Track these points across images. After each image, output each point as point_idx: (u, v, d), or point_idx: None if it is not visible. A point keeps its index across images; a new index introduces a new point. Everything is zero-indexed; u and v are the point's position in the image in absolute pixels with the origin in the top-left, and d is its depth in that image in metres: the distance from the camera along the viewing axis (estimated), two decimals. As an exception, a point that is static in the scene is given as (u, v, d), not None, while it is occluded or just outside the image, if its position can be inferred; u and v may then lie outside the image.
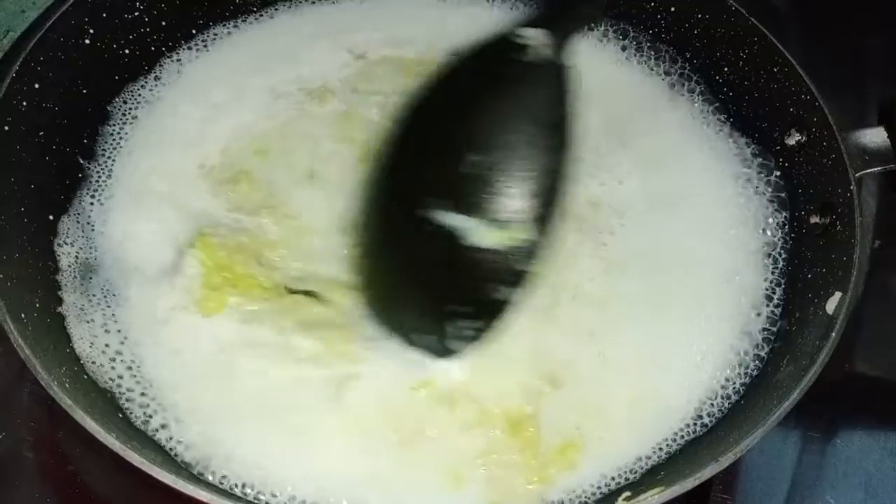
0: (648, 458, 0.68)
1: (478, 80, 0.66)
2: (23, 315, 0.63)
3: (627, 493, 0.64)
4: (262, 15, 0.89)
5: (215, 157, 0.79)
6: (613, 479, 0.67)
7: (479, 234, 0.61)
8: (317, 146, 0.80)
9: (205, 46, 0.87)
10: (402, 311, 0.67)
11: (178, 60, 0.85)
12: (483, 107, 0.64)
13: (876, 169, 0.75)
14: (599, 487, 0.67)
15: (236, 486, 0.65)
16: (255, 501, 0.64)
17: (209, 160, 0.79)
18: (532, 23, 0.67)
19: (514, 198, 0.61)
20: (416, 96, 0.68)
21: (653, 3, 0.89)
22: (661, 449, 0.69)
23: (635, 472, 0.67)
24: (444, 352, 0.66)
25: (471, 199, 0.61)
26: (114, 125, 0.81)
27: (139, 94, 0.83)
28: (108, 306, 0.71)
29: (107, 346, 0.69)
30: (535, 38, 0.65)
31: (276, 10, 0.90)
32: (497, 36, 0.67)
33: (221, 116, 0.82)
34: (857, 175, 0.74)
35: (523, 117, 0.64)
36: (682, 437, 0.69)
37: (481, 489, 0.65)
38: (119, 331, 0.70)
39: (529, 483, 0.66)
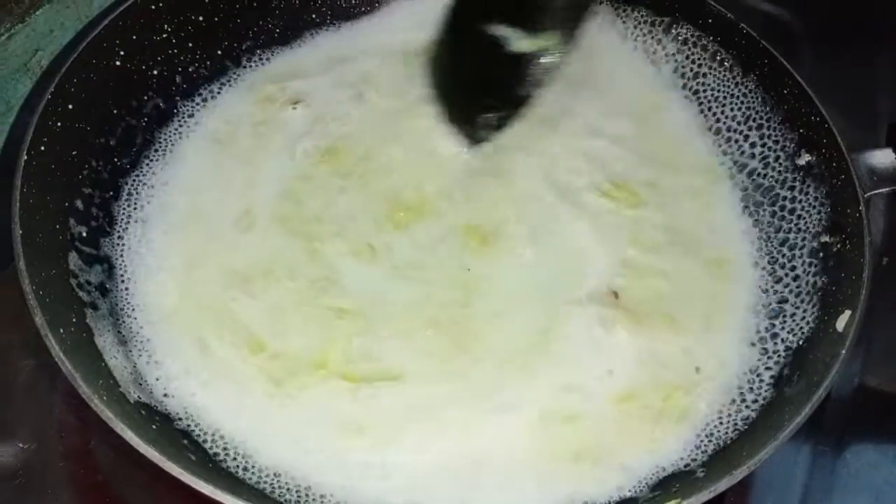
0: (664, 469, 0.69)
1: None
2: (61, 330, 0.65)
3: (643, 506, 0.66)
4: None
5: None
6: (629, 491, 0.68)
7: (517, 41, 0.75)
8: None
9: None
10: (455, 101, 0.84)
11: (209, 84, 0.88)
12: None
13: (884, 189, 0.77)
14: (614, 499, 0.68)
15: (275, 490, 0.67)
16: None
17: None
18: None
19: (544, 13, 0.75)
20: None
21: (663, 26, 0.91)
22: (676, 463, 0.70)
23: (652, 484, 0.69)
24: (477, 138, 0.83)
25: (512, 13, 0.75)
26: (146, 146, 0.84)
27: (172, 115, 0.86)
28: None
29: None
30: None
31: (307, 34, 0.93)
32: None
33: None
34: (867, 195, 0.76)
35: None
36: (698, 451, 0.70)
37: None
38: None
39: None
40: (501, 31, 0.75)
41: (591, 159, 0.85)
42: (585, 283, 0.77)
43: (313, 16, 0.94)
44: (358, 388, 0.70)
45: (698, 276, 0.79)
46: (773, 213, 0.83)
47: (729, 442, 0.70)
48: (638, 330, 0.74)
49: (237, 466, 0.67)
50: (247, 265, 0.76)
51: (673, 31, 0.91)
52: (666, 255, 0.80)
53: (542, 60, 0.76)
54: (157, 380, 0.71)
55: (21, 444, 0.73)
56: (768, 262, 0.81)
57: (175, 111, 0.86)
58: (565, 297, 0.76)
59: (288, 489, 0.67)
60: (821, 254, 0.78)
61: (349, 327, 0.73)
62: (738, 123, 0.88)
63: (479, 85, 0.82)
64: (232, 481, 0.66)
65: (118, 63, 0.81)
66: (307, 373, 0.71)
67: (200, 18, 0.87)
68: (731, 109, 0.88)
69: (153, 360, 0.72)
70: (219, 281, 0.76)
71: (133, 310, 0.75)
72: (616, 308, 0.75)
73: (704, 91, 0.90)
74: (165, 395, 0.70)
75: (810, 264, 0.78)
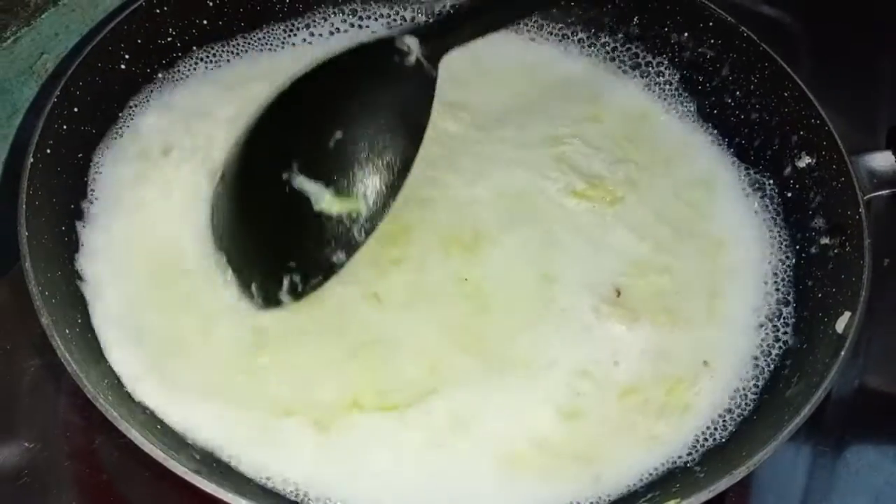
0: (664, 469, 0.70)
1: (353, 70, 0.75)
2: (66, 331, 0.65)
3: (643, 505, 0.66)
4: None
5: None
6: (629, 487, 0.69)
7: (325, 200, 0.71)
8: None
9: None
10: (249, 258, 0.74)
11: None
12: (351, 92, 0.73)
13: (884, 192, 0.77)
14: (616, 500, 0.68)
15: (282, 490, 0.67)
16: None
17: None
18: (411, 31, 0.75)
19: (359, 175, 0.71)
20: (294, 76, 0.76)
21: (665, 29, 0.91)
22: (675, 462, 0.70)
23: (652, 483, 0.69)
24: (273, 302, 0.73)
25: (323, 169, 0.71)
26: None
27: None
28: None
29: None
30: (410, 45, 0.74)
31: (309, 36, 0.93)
32: (380, 38, 0.77)
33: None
34: (866, 197, 0.76)
35: (384, 109, 0.73)
36: (697, 450, 0.71)
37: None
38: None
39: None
40: (306, 184, 0.71)
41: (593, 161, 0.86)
42: (584, 278, 0.78)
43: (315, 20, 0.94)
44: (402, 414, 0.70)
45: (699, 271, 0.80)
46: (773, 216, 0.83)
47: (728, 442, 0.71)
48: (639, 325, 0.75)
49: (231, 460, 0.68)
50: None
51: (673, 35, 0.91)
52: (666, 253, 0.80)
53: (353, 225, 0.71)
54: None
55: (26, 444, 0.74)
56: (768, 265, 0.81)
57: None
58: (565, 290, 0.77)
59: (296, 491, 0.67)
60: (820, 255, 0.78)
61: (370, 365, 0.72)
62: (738, 127, 0.88)
63: (277, 243, 0.73)
64: (236, 480, 0.66)
65: (123, 66, 0.82)
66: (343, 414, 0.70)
67: (205, 22, 0.87)
68: (731, 113, 0.89)
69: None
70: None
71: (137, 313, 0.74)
72: (615, 305, 0.76)
73: (705, 95, 0.90)
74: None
75: (810, 266, 0.79)
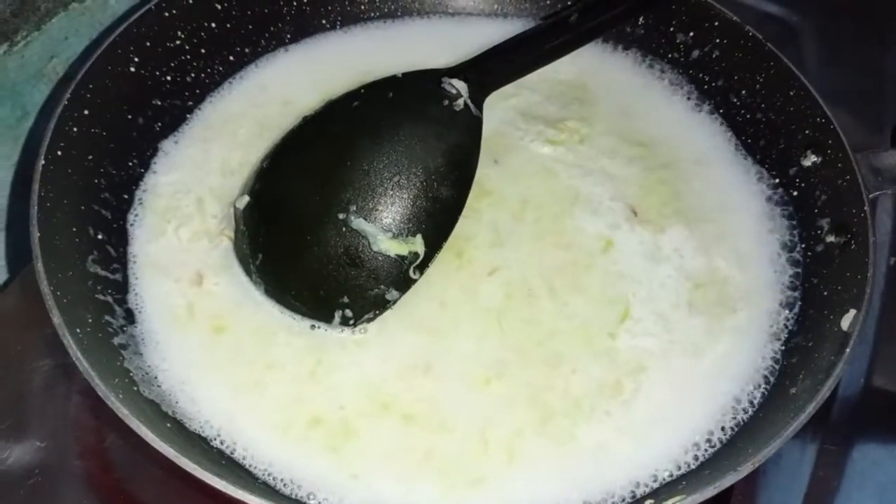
0: (669, 467, 0.70)
1: (404, 110, 0.76)
2: (78, 330, 0.66)
3: (650, 502, 0.66)
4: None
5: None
6: (638, 485, 0.69)
7: (384, 242, 0.72)
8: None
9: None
10: (297, 291, 0.74)
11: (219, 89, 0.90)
12: (405, 137, 0.74)
13: (889, 190, 0.77)
14: (623, 499, 0.69)
15: (286, 485, 0.67)
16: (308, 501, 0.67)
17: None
18: (455, 73, 0.78)
19: (417, 219, 0.73)
20: (335, 103, 0.77)
21: (671, 29, 0.92)
22: (683, 457, 0.70)
23: (658, 481, 0.69)
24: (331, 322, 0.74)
25: (381, 213, 0.72)
26: (158, 150, 0.85)
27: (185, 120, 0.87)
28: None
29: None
30: (459, 89, 0.76)
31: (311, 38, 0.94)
32: (424, 76, 0.78)
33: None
34: (871, 196, 0.76)
35: (439, 155, 0.74)
36: (703, 447, 0.71)
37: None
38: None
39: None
40: (364, 225, 0.72)
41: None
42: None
43: (323, 21, 0.95)
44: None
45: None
46: (779, 214, 0.84)
47: (733, 439, 0.71)
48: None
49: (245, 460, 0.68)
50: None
51: (679, 35, 0.91)
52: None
53: (409, 265, 0.73)
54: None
55: (38, 443, 0.75)
56: (774, 263, 0.81)
57: (188, 117, 0.87)
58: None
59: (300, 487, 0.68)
60: (826, 254, 0.78)
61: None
62: (744, 126, 0.88)
63: (330, 279, 0.73)
64: (246, 477, 0.67)
65: (133, 69, 0.82)
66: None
67: (213, 25, 0.88)
68: (737, 112, 0.89)
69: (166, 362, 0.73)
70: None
71: (150, 313, 0.76)
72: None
73: (711, 94, 0.91)
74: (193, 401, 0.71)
75: (816, 264, 0.79)
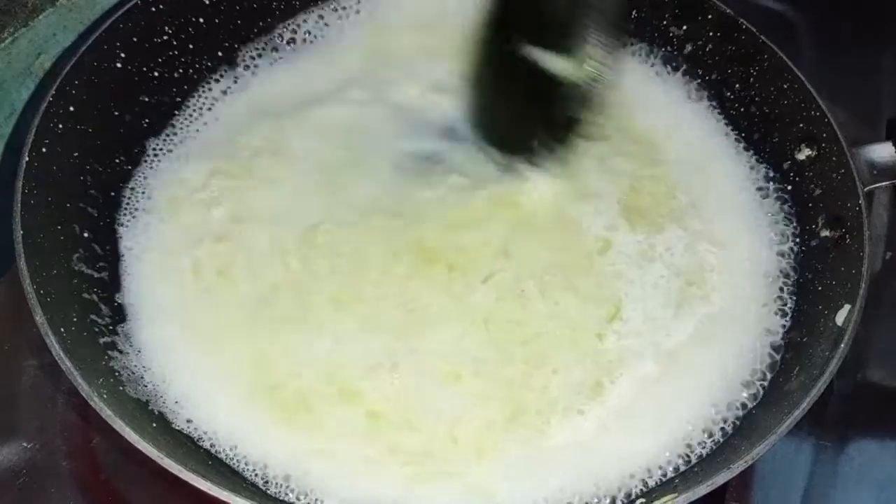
0: (662, 465, 0.69)
1: None
2: (62, 329, 0.65)
3: (642, 501, 0.66)
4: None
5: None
6: (629, 484, 0.68)
7: (559, 65, 0.73)
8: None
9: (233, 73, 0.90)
10: (500, 131, 0.81)
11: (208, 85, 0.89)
12: None
13: (884, 183, 0.77)
14: (615, 498, 0.68)
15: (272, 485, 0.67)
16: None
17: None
18: None
19: (587, 39, 0.72)
20: None
21: (665, 22, 0.91)
22: (675, 456, 0.70)
23: (652, 479, 0.69)
24: (533, 162, 0.80)
25: (554, 38, 0.73)
26: (146, 147, 0.84)
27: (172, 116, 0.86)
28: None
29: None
30: None
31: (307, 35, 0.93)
32: None
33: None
34: (866, 189, 0.76)
35: None
36: (696, 445, 0.70)
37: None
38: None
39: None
40: (536, 53, 0.73)
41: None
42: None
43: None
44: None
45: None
46: (774, 208, 0.83)
47: (727, 436, 0.70)
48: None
49: (230, 459, 0.68)
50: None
51: (672, 28, 0.91)
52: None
53: (584, 81, 0.73)
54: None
55: (25, 444, 0.74)
56: (768, 258, 0.80)
57: (175, 113, 0.86)
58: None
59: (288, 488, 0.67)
60: (820, 248, 0.78)
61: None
62: (738, 119, 0.88)
63: (524, 110, 0.78)
64: (232, 477, 0.66)
65: (119, 65, 0.82)
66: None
67: (201, 20, 0.87)
68: (731, 106, 0.88)
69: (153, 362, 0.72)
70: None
71: (136, 311, 0.75)
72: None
73: (705, 88, 0.90)
74: (177, 402, 0.71)
75: (810, 258, 0.79)
